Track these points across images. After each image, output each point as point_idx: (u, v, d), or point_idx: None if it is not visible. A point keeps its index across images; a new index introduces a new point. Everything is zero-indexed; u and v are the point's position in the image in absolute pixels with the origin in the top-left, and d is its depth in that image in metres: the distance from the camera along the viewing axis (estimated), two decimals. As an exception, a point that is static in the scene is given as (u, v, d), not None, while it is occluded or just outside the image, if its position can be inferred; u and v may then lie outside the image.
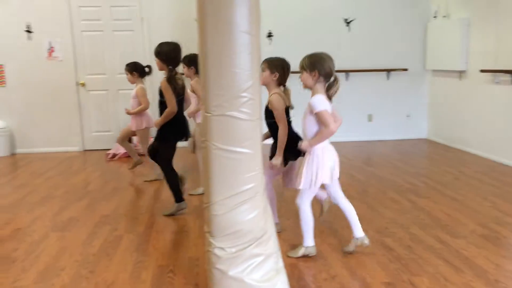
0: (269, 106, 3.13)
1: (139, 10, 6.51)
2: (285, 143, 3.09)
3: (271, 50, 4.36)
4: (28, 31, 6.35)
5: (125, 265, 2.92)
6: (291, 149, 3.09)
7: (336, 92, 2.88)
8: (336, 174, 2.93)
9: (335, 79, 2.85)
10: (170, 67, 3.68)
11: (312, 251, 2.99)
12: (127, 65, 4.96)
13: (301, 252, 2.98)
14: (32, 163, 5.98)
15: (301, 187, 2.86)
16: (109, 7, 6.46)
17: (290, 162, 3.23)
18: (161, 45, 3.73)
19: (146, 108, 4.85)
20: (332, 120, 2.76)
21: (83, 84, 6.61)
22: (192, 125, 4.24)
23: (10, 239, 3.39)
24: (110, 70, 6.62)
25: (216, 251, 2.29)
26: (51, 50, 6.45)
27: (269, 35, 6.65)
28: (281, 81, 3.18)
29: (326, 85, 2.85)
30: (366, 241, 2.99)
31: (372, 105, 7.08)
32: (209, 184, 2.29)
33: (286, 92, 3.22)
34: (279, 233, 3.37)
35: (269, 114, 3.13)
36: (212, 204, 2.28)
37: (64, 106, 6.60)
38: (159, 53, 3.70)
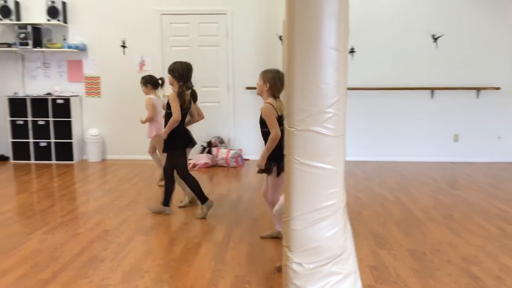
0: (262, 115, 3.26)
1: (225, 27, 6.74)
2: (273, 147, 3.18)
3: (352, 66, 4.31)
4: (123, 46, 6.83)
5: (203, 272, 3.00)
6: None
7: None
8: None
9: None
10: (181, 83, 3.98)
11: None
12: (143, 78, 5.16)
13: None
14: (120, 169, 6.37)
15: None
16: (197, 24, 6.76)
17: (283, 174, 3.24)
18: (175, 63, 4.05)
19: (151, 116, 5.01)
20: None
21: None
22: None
23: (100, 240, 3.62)
24: (195, 83, 6.86)
25: (294, 266, 2.29)
26: (142, 64, 6.87)
27: (351, 51, 6.58)
28: (273, 92, 3.28)
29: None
30: None
31: (459, 124, 6.73)
32: (290, 198, 2.30)
33: (279, 103, 3.28)
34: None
35: (262, 124, 3.27)
36: (291, 219, 2.29)
37: (151, 116, 6.97)
38: (172, 70, 4.01)
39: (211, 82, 6.89)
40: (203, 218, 4.14)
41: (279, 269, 2.97)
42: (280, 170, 3.22)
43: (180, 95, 3.96)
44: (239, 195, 4.97)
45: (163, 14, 6.75)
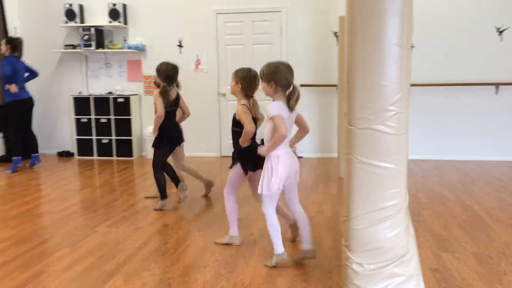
0: (236, 116, 3.27)
1: (279, 24, 6.74)
2: (246, 140, 3.23)
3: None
4: (180, 46, 6.99)
5: (260, 269, 3.03)
6: (251, 160, 3.24)
7: (296, 102, 2.87)
8: (294, 181, 2.98)
9: (294, 89, 2.85)
10: (165, 83, 4.22)
11: (284, 257, 3.01)
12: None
13: (274, 261, 3.01)
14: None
15: (258, 191, 2.93)
16: (252, 22, 6.81)
17: (250, 172, 3.32)
18: (162, 64, 4.29)
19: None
20: (284, 126, 2.76)
21: (224, 94, 7.04)
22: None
23: (160, 234, 3.74)
24: (249, 81, 6.94)
25: (354, 266, 2.26)
26: (198, 63, 7.01)
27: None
28: (246, 92, 3.27)
29: (286, 94, 2.86)
30: (313, 254, 3.04)
31: (526, 122, 6.38)
32: (350, 198, 2.27)
33: (252, 102, 3.27)
34: (238, 246, 3.44)
35: (235, 123, 3.30)
36: (352, 218, 2.26)
37: (206, 114, 7.10)
38: (158, 71, 4.26)
39: (265, 79, 6.91)
40: (158, 210, 4.35)
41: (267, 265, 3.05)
42: (247, 168, 3.30)
43: (163, 93, 4.16)
44: (293, 192, 4.96)
45: (218, 13, 6.84)
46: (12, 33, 6.91)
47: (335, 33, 6.53)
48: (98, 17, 7.01)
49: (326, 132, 6.86)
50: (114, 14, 6.80)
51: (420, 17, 6.27)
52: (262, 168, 3.05)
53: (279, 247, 3.01)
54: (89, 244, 3.54)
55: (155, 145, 4.38)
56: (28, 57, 6.86)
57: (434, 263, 3.05)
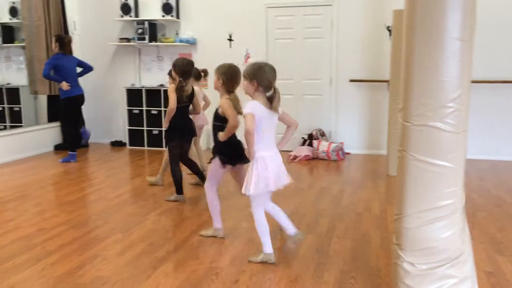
0: (219, 110, 3.31)
1: (330, 18, 6.66)
2: (232, 132, 3.24)
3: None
4: (230, 40, 7.06)
5: (307, 264, 3.03)
6: (229, 154, 3.31)
7: (278, 103, 2.90)
8: (280, 181, 2.98)
9: (274, 91, 2.87)
10: (181, 79, 4.25)
11: (271, 259, 3.01)
12: None
13: (259, 258, 3.03)
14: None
15: (242, 191, 2.95)
16: (302, 16, 6.76)
17: (228, 166, 3.36)
18: (178, 60, 4.36)
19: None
20: (251, 123, 2.78)
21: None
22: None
23: (207, 224, 3.80)
24: (297, 76, 6.93)
25: (405, 265, 2.22)
26: (247, 57, 7.05)
27: (466, 42, 6.13)
28: (228, 88, 3.29)
29: (267, 95, 2.87)
30: (301, 236, 3.15)
31: None
32: (403, 195, 2.22)
33: (233, 97, 3.29)
34: (222, 238, 3.47)
35: (217, 118, 3.36)
36: (405, 216, 2.21)
37: (254, 108, 7.13)
38: (175, 66, 4.29)
39: (314, 74, 6.87)
40: (170, 200, 4.47)
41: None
42: (225, 161, 3.33)
43: (178, 88, 4.23)
44: (341, 189, 4.91)
45: (268, 7, 6.85)
46: (71, 27, 7.20)
47: (388, 27, 6.38)
48: (151, 11, 7.19)
49: (375, 129, 6.73)
50: (167, 8, 6.95)
51: (478, 11, 6.03)
52: (243, 163, 3.27)
53: (267, 247, 3.03)
54: (140, 231, 3.65)
55: (166, 138, 4.53)
56: (85, 50, 7.16)
57: (489, 266, 2.94)
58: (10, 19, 6.99)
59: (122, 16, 7.12)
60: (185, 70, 4.30)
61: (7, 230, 3.66)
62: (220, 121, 3.36)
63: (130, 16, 7.09)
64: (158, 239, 3.49)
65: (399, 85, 2.39)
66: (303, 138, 6.78)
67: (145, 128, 7.32)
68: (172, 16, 6.97)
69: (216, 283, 2.76)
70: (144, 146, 7.37)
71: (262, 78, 2.85)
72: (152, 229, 3.69)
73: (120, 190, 4.87)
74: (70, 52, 6.20)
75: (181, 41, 7.06)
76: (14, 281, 2.79)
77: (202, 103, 5.13)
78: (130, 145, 7.44)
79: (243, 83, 2.97)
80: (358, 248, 3.29)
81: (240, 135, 3.29)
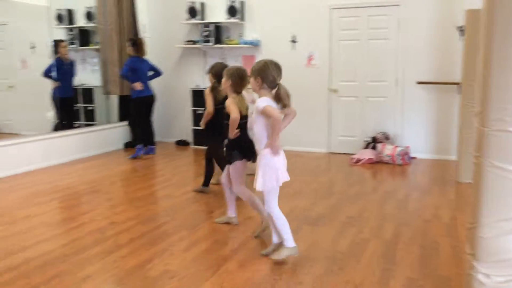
0: (226, 109, 3.49)
1: (397, 19, 6.49)
2: (234, 127, 3.41)
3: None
4: (293, 41, 7.07)
5: (372, 269, 2.97)
6: (239, 150, 3.48)
7: (288, 98, 2.97)
8: (282, 178, 3.03)
9: (279, 87, 2.93)
10: (215, 81, 4.34)
11: (295, 251, 3.06)
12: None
13: (285, 254, 3.03)
14: (286, 159, 6.62)
15: (255, 188, 3.01)
16: (367, 17, 6.64)
17: (240, 161, 3.50)
18: (215, 63, 4.51)
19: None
20: (276, 111, 2.85)
21: (335, 91, 6.98)
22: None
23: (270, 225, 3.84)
24: (361, 77, 6.81)
25: (480, 277, 2.12)
26: (310, 58, 7.02)
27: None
28: (236, 89, 3.48)
29: (274, 92, 2.94)
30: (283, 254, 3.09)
31: None
32: (479, 203, 2.12)
33: (240, 99, 3.47)
34: (235, 225, 3.66)
35: (228, 117, 3.48)
36: (480, 225, 2.11)
37: (315, 110, 7.10)
38: (211, 69, 4.45)
39: (379, 76, 6.72)
40: (197, 191, 4.81)
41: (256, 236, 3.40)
42: (234, 158, 3.49)
43: (213, 90, 4.35)
44: (406, 194, 4.77)
45: (333, 8, 6.78)
46: (141, 30, 7.52)
47: (460, 27, 6.11)
48: (217, 14, 7.35)
49: (443, 133, 6.47)
50: (232, 11, 7.07)
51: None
52: (253, 160, 3.40)
53: (289, 241, 3.05)
54: (205, 229, 3.75)
55: (203, 139, 4.67)
56: (153, 52, 7.43)
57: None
58: (86, 23, 7.41)
59: (188, 19, 7.34)
60: (219, 74, 4.33)
61: (83, 222, 3.89)
62: (228, 119, 3.52)
63: (197, 19, 7.29)
64: (222, 237, 3.56)
65: (473, 88, 2.30)
66: (366, 141, 6.66)
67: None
68: (237, 18, 7.08)
69: (280, 284, 2.78)
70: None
71: (267, 75, 2.91)
72: (216, 228, 3.78)
73: (186, 188, 5.02)
74: (144, 53, 6.60)
75: (245, 43, 7.17)
76: (89, 271, 2.96)
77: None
78: (194, 145, 7.64)
79: (250, 81, 3.04)
80: (426, 256, 3.19)
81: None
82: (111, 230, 3.71)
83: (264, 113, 2.91)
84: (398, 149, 6.22)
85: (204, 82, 7.67)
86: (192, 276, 2.89)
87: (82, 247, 3.35)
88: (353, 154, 6.64)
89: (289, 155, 6.74)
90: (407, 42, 6.48)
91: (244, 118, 3.54)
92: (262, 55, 7.26)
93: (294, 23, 7.02)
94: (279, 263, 3.06)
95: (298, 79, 7.11)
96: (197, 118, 7.52)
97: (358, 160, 6.33)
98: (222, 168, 4.56)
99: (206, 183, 4.86)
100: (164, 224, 3.86)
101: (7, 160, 5.61)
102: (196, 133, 7.57)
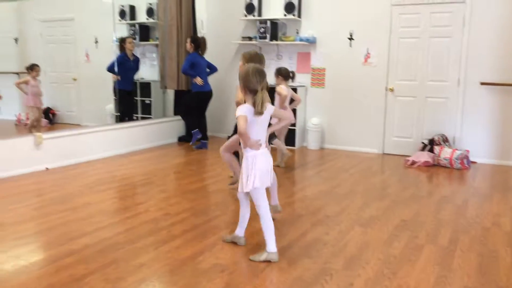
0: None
1: (462, 16, 6.21)
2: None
3: None
4: (350, 39, 6.94)
5: (427, 275, 2.87)
6: None
7: (261, 106, 2.91)
8: (269, 179, 3.10)
9: (256, 93, 2.92)
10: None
11: (274, 258, 3.03)
12: (277, 69, 5.77)
13: (263, 257, 3.04)
14: (337, 159, 6.55)
15: (238, 190, 3.13)
16: (430, 14, 6.41)
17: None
18: (248, 52, 4.40)
19: (284, 98, 5.43)
20: (242, 124, 2.87)
21: (391, 90, 6.79)
22: None
23: (321, 224, 3.80)
24: (421, 76, 6.59)
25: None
26: (367, 56, 6.87)
27: None
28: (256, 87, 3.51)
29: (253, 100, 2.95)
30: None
31: None
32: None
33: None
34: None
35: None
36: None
37: (370, 109, 6.95)
38: (243, 57, 4.40)
39: (439, 75, 6.47)
40: (232, 184, 4.86)
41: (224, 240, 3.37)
42: None
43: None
44: (465, 199, 4.58)
45: (394, 5, 6.60)
46: (199, 26, 7.65)
47: (530, 25, 5.77)
48: (274, 10, 7.35)
49: (507, 138, 6.14)
50: (289, 7, 7.05)
51: None
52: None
53: (271, 246, 3.04)
54: (256, 225, 3.74)
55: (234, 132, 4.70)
56: (210, 48, 7.54)
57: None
58: (147, 19, 7.64)
59: (246, 16, 7.39)
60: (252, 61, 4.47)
61: (138, 212, 4.02)
62: None
63: (254, 16, 7.33)
64: (272, 233, 3.56)
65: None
66: (423, 143, 6.44)
67: (261, 124, 7.50)
68: (294, 15, 7.05)
69: (330, 284, 2.74)
70: (259, 142, 7.56)
71: (248, 82, 2.94)
72: (266, 224, 3.78)
73: (237, 183, 5.06)
74: (204, 52, 6.86)
75: (301, 39, 7.12)
76: (144, 260, 3.06)
77: (287, 101, 5.55)
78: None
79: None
80: (485, 265, 3.04)
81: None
82: (165, 221, 3.81)
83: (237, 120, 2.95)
84: (457, 152, 5.97)
85: (258, 79, 7.70)
86: (242, 271, 2.92)
87: (137, 236, 3.47)
88: (408, 156, 6.45)
89: (340, 154, 6.77)
90: (471, 40, 6.20)
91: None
92: (317, 53, 7.20)
93: (352, 20, 6.89)
94: (330, 264, 3.02)
95: (354, 77, 7.01)
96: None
97: (414, 162, 6.13)
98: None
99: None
100: (216, 218, 3.92)
101: (69, 150, 5.90)
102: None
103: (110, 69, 6.92)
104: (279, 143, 5.81)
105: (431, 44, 6.45)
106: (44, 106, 6.54)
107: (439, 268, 2.98)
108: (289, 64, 7.43)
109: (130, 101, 7.45)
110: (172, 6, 7.18)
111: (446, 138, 6.39)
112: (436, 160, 6.10)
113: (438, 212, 4.15)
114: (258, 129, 3.03)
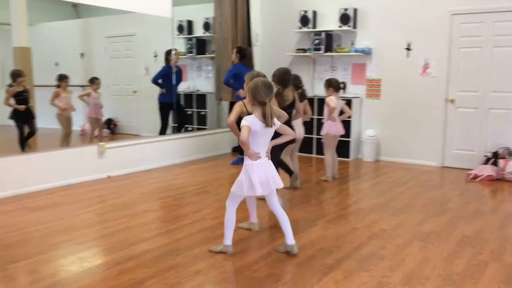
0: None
1: (527, 24, 5.93)
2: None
3: None
4: (408, 49, 6.80)
5: (492, 295, 2.73)
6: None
7: (271, 119, 3.07)
8: (270, 186, 3.21)
9: (265, 106, 3.06)
10: (279, 87, 4.40)
11: (229, 250, 3.34)
12: (327, 80, 5.68)
13: (219, 248, 3.36)
14: (393, 171, 6.39)
15: (232, 189, 3.28)
16: (493, 23, 6.16)
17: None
18: (278, 69, 4.55)
19: (333, 110, 5.53)
20: (244, 134, 3.02)
21: (452, 101, 6.56)
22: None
23: (377, 238, 3.72)
24: (483, 87, 6.32)
25: None
26: (425, 67, 6.69)
27: None
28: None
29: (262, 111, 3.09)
30: (295, 250, 3.31)
31: None
32: None
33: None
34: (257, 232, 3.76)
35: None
36: None
37: (429, 121, 6.74)
38: (274, 75, 4.49)
39: (503, 86, 6.18)
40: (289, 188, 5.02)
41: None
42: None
43: (277, 96, 4.35)
44: (533, 216, 4.32)
45: (454, 14, 6.40)
46: (253, 39, 7.77)
47: None
48: (329, 22, 7.34)
49: None
50: (345, 18, 7.02)
51: None
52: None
53: (228, 240, 3.35)
54: (310, 236, 3.75)
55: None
56: (264, 60, 7.65)
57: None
58: (203, 33, 7.86)
59: (300, 28, 7.43)
60: (282, 79, 4.46)
61: (194, 220, 4.11)
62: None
63: (308, 28, 7.35)
64: (327, 246, 3.53)
65: None
66: (486, 156, 6.15)
67: (314, 136, 7.46)
68: (349, 26, 7.01)
69: (387, 299, 2.68)
70: (312, 154, 7.53)
71: (257, 94, 3.08)
72: (321, 235, 3.75)
73: (292, 194, 5.06)
74: (250, 64, 6.70)
75: (356, 51, 7.06)
76: (200, 266, 3.12)
77: (336, 113, 5.61)
78: (299, 152, 7.66)
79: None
80: (557, 287, 2.85)
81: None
82: (220, 230, 3.84)
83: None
84: (524, 166, 5.65)
85: (313, 90, 7.69)
86: (296, 281, 2.90)
87: (194, 243, 3.54)
88: (470, 169, 6.18)
89: (396, 167, 6.61)
90: (539, 49, 5.89)
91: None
92: (373, 63, 7.11)
93: (410, 30, 6.75)
94: (387, 278, 2.94)
95: (411, 88, 6.85)
96: (303, 125, 7.54)
97: (476, 176, 5.87)
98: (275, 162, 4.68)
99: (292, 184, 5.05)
100: (270, 228, 3.93)
101: (129, 159, 6.14)
102: (304, 140, 7.58)
103: (155, 80, 7.08)
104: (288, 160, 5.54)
105: (495, 53, 6.19)
106: (106, 117, 6.86)
107: (505, 286, 2.83)
108: (343, 75, 7.38)
109: (179, 113, 7.52)
110: (228, 20, 7.34)
111: (511, 151, 6.08)
112: (501, 174, 5.81)
113: (503, 229, 3.95)
114: (260, 141, 3.17)
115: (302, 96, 5.10)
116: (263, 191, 3.20)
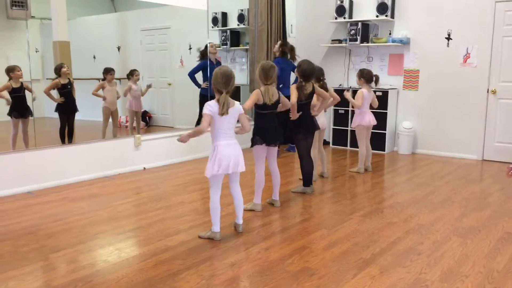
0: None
1: None
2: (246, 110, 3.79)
3: None
4: (448, 38, 6.58)
5: (536, 295, 2.63)
6: (260, 135, 4.08)
7: (222, 108, 3.28)
8: (234, 167, 3.44)
9: (221, 95, 3.30)
10: (302, 80, 4.50)
11: (217, 236, 3.45)
12: (360, 70, 5.61)
13: (207, 234, 3.49)
14: (431, 165, 6.23)
15: (205, 174, 3.40)
16: (539, 9, 5.88)
17: (259, 146, 4.11)
18: (303, 63, 4.55)
19: (357, 107, 5.56)
20: (204, 123, 3.29)
21: (494, 92, 6.32)
22: None
23: (414, 233, 3.64)
24: (527, 78, 6.06)
25: None
26: (466, 57, 6.47)
27: None
28: (262, 81, 4.05)
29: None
30: (240, 229, 3.63)
31: None
32: None
33: (266, 90, 4.01)
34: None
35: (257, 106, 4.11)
36: None
37: (469, 112, 6.53)
38: (299, 67, 4.56)
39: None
40: (295, 192, 4.82)
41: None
42: (255, 142, 4.10)
43: (299, 87, 4.48)
44: None
45: (498, 1, 6.14)
46: (288, 29, 7.69)
47: None
48: (365, 12, 7.19)
49: None
50: (382, 8, 6.85)
51: None
52: (275, 145, 4.12)
53: (215, 226, 3.46)
54: (345, 230, 3.70)
55: (291, 133, 4.70)
56: (299, 51, 7.54)
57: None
58: (238, 25, 7.85)
59: (336, 18, 7.30)
60: (306, 74, 4.50)
61: (229, 212, 4.13)
62: (257, 108, 4.08)
63: (344, 18, 7.22)
64: (362, 240, 3.48)
65: None
66: (529, 149, 5.91)
67: (349, 128, 7.35)
68: (386, 15, 6.84)
69: (425, 296, 2.62)
70: (347, 146, 7.43)
71: (216, 83, 3.29)
72: (356, 230, 3.71)
73: (325, 187, 5.02)
74: (294, 59, 6.58)
75: (393, 41, 6.89)
76: (235, 259, 3.14)
77: (365, 104, 5.59)
78: (333, 144, 7.59)
79: None
80: None
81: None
82: (256, 222, 3.88)
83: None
84: None
85: (348, 81, 7.57)
86: (332, 276, 2.88)
87: (229, 236, 3.56)
88: (510, 163, 5.95)
89: (434, 160, 6.45)
90: None
91: (269, 108, 4.01)
92: (410, 53, 6.92)
93: (451, 18, 6.53)
94: (424, 275, 2.88)
95: (451, 78, 6.65)
96: (337, 117, 7.46)
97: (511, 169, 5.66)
98: (302, 161, 4.74)
99: (306, 182, 4.80)
100: (304, 221, 3.91)
101: (164, 151, 6.23)
102: (335, 132, 7.52)
103: (192, 74, 7.07)
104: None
105: (541, 42, 5.92)
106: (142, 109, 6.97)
107: (551, 287, 2.72)
108: (380, 66, 7.23)
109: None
110: (263, 11, 7.30)
111: (558, 144, 5.81)
112: (546, 169, 5.57)
113: (548, 226, 3.79)
114: (222, 124, 3.35)
115: (322, 88, 4.99)
116: (230, 169, 3.41)
